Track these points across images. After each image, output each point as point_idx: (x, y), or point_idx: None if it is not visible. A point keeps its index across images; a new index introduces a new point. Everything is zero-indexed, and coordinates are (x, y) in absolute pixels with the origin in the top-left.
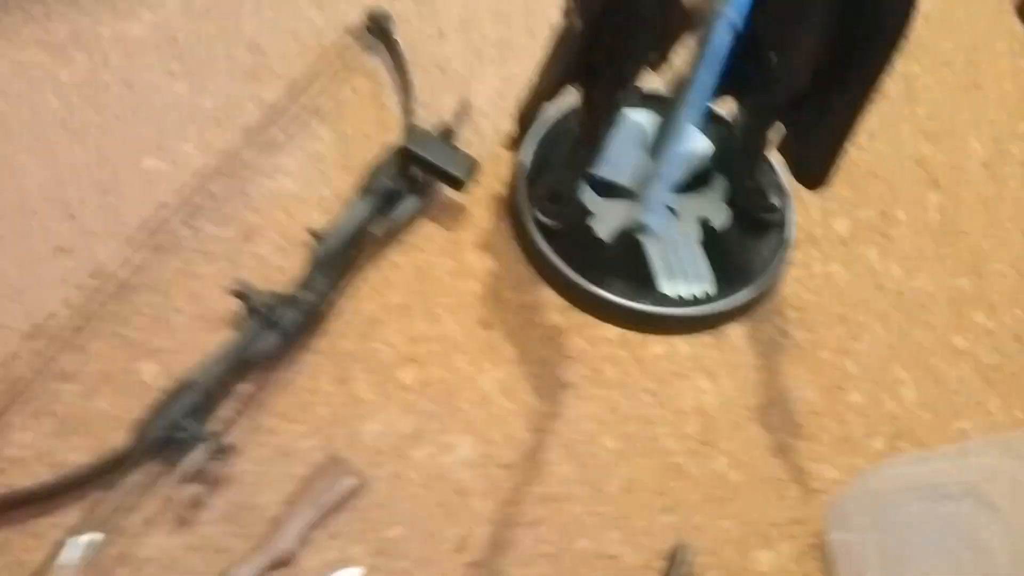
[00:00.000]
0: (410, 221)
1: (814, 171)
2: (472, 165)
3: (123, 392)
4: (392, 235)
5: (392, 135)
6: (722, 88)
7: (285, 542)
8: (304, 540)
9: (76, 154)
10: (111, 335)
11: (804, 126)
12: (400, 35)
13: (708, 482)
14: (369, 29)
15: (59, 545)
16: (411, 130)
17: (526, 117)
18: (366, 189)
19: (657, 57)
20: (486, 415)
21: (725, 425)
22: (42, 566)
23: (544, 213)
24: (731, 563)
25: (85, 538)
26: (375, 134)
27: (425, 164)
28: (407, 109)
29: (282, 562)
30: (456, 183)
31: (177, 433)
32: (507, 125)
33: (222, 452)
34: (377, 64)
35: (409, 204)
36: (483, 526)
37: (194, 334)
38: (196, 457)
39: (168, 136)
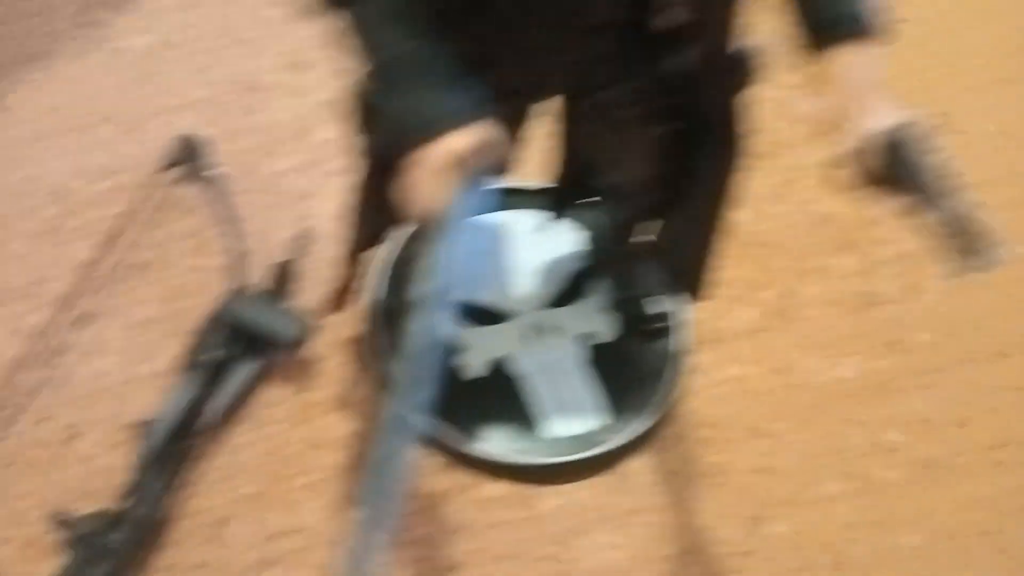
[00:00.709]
0: (249, 391)
1: (690, 282)
2: (303, 326)
3: None
4: (231, 412)
5: (224, 283)
6: (572, 200)
7: None
8: None
9: None
10: None
11: (669, 237)
12: (224, 157)
13: None
14: (182, 160)
15: None
16: (233, 292)
17: (353, 266)
18: (192, 363)
19: None
20: None
21: None
22: None
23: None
24: None
25: None
26: (206, 283)
27: (250, 330)
28: (233, 255)
29: None
30: (288, 346)
31: None
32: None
33: None
34: (197, 198)
35: (243, 372)
36: None
37: (23, 567)
38: None
39: None
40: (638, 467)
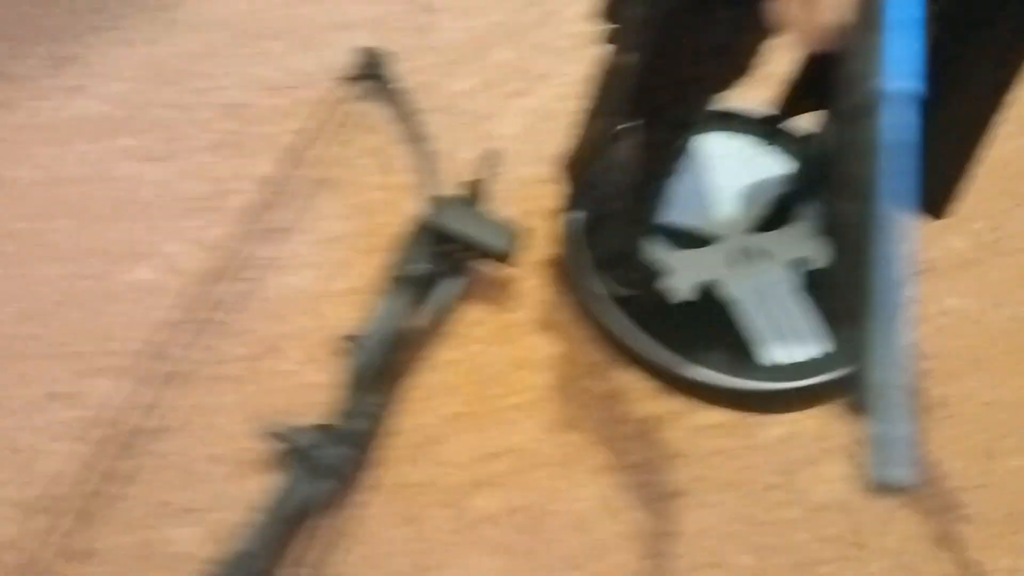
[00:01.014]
0: (453, 307)
1: (934, 196)
2: (514, 233)
3: (158, 569)
4: (436, 328)
5: (414, 200)
6: (804, 99)
7: None
8: None
9: (50, 273)
10: (130, 498)
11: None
12: (403, 73)
13: None
14: (363, 74)
15: None
16: (436, 201)
17: (577, 175)
18: (397, 277)
19: (734, 81)
20: (588, 543)
21: (873, 518)
22: None
23: (610, 279)
24: None
25: None
26: (395, 201)
27: (459, 239)
28: (425, 169)
29: None
30: (499, 257)
31: None
32: (542, 169)
33: None
34: (381, 113)
35: (449, 287)
36: None
37: (229, 483)
38: None
39: (154, 237)
40: None
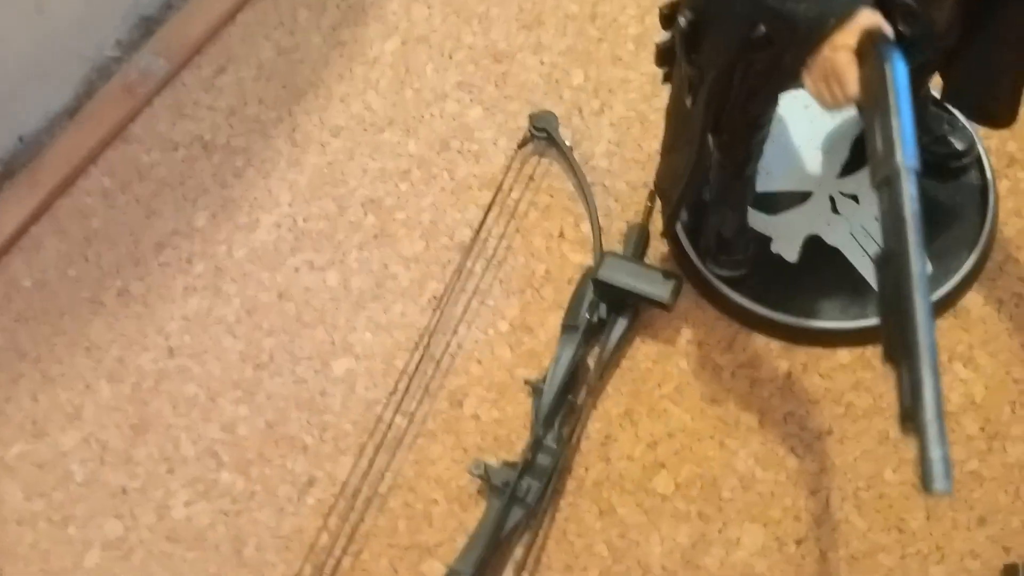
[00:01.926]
0: (624, 345)
1: (998, 110)
2: (675, 283)
3: None
4: (608, 367)
5: (583, 254)
6: None
7: None
8: None
9: (275, 385)
10: (386, 548)
11: (970, 70)
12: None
13: (1013, 477)
14: (534, 136)
15: None
16: (602, 258)
17: (670, 194)
18: (570, 327)
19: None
20: (756, 496)
21: (1003, 410)
22: None
23: (720, 265)
24: None
25: None
26: (559, 254)
27: (624, 292)
28: (594, 225)
29: None
30: (661, 305)
31: None
32: (635, 174)
33: None
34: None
35: (618, 329)
36: None
37: (456, 518)
38: None
39: (342, 332)
40: (973, 302)
